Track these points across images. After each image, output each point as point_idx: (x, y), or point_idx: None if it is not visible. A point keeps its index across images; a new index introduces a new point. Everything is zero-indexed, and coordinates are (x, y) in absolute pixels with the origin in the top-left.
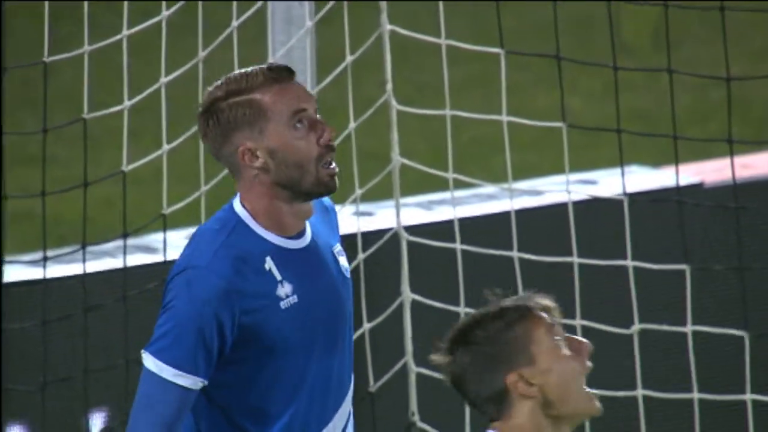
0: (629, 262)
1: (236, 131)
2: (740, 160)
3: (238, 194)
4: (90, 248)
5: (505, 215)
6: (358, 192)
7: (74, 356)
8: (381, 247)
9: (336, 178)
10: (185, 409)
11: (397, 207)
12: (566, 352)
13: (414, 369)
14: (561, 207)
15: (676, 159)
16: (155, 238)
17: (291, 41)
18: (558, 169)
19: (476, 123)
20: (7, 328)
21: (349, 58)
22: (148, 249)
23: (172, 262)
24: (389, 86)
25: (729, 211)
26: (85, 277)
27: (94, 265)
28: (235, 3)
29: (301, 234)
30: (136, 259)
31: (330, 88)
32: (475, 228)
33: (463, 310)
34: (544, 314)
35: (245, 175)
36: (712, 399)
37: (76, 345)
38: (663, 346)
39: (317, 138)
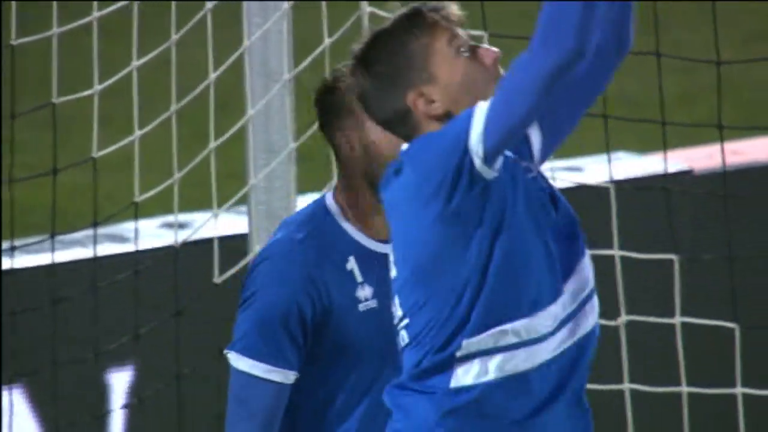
0: (616, 252)
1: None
2: (730, 146)
3: (332, 189)
4: (59, 237)
5: None
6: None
7: (43, 349)
8: None
9: None
10: (281, 405)
11: None
12: (470, 61)
13: None
14: None
15: (664, 145)
16: (126, 227)
17: (267, 24)
18: None
19: None
20: None
21: (327, 41)
22: (120, 238)
23: (144, 251)
24: None
25: (718, 199)
26: (54, 267)
27: (63, 255)
28: None
29: (387, 240)
30: (106, 249)
31: (307, 71)
32: None
33: None
34: (442, 22)
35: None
36: (702, 392)
37: (44, 337)
38: (650, 337)
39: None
